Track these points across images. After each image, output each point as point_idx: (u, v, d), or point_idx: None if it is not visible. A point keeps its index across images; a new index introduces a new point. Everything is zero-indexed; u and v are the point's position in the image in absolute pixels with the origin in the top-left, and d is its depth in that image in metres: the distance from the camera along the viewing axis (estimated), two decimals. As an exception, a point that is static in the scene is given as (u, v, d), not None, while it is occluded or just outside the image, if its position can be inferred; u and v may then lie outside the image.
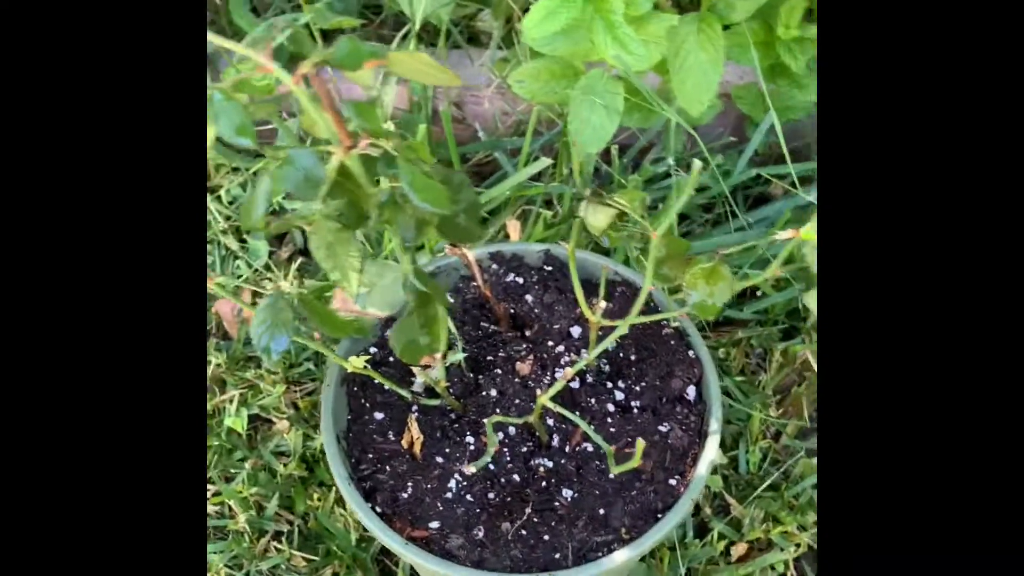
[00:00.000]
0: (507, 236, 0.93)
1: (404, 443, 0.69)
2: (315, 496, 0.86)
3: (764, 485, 0.84)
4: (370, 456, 0.68)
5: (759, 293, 0.94)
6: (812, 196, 0.91)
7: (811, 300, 0.63)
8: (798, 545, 0.81)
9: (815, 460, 0.86)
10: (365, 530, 0.85)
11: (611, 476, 0.67)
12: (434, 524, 0.65)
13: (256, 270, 1.02)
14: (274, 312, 0.55)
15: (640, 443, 0.56)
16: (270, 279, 1.03)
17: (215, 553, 0.83)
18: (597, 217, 0.57)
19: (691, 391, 0.71)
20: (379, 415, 0.71)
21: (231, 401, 0.91)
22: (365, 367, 0.65)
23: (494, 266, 0.78)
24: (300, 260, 1.02)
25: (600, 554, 0.63)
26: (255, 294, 0.99)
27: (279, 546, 0.84)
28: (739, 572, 0.80)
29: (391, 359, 0.74)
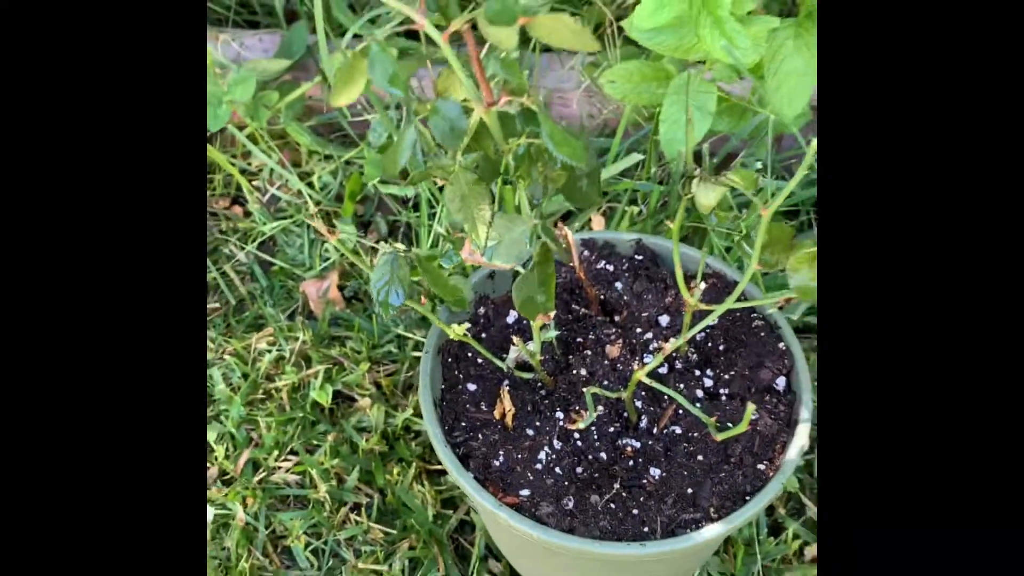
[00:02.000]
0: (592, 229, 0.95)
1: (496, 414, 0.70)
2: (395, 472, 0.87)
3: (841, 488, 0.85)
4: (463, 424, 0.70)
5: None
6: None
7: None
8: (874, 548, 0.81)
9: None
10: (442, 506, 0.86)
11: (699, 457, 0.68)
12: (524, 492, 0.66)
13: (342, 254, 1.04)
14: (392, 269, 0.57)
15: (750, 407, 0.57)
16: (356, 263, 1.05)
17: (296, 520, 0.85)
18: (708, 195, 0.59)
19: (780, 382, 0.72)
20: (472, 386, 0.72)
21: (316, 376, 0.94)
22: (465, 335, 0.67)
23: (586, 252, 0.80)
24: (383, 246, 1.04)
25: (688, 530, 0.64)
26: (343, 275, 1.03)
27: (358, 518, 0.86)
28: (812, 572, 0.80)
29: (483, 335, 0.76)
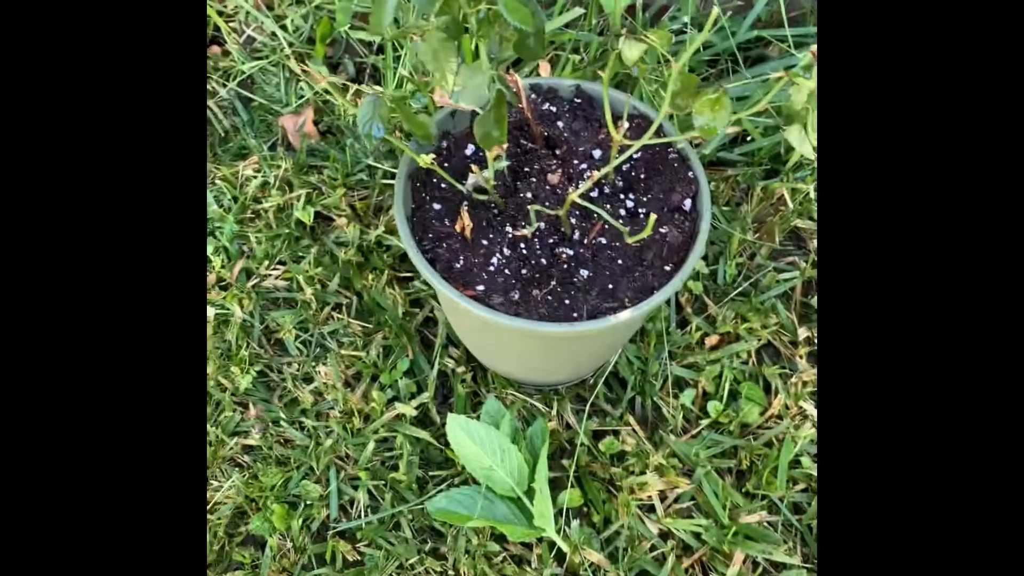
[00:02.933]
0: (539, 75, 1.09)
1: (457, 227, 0.86)
2: (370, 278, 1.04)
3: (736, 292, 1.04)
4: (430, 236, 0.86)
5: (749, 139, 1.11)
6: (802, 56, 1.07)
7: (792, 135, 0.80)
8: (759, 339, 1.01)
9: (781, 275, 1.05)
10: (410, 306, 1.04)
11: (619, 262, 0.85)
12: (480, 287, 0.83)
13: (316, 92, 1.17)
14: (374, 107, 0.71)
15: (652, 217, 0.74)
16: (329, 100, 1.18)
17: (286, 317, 1.02)
18: (632, 50, 0.73)
19: (687, 203, 0.89)
20: (437, 206, 0.88)
21: (298, 199, 1.08)
22: (432, 163, 0.82)
23: (533, 95, 0.94)
24: (354, 87, 1.17)
25: (608, 315, 0.82)
26: (317, 111, 1.15)
27: (339, 315, 1.03)
28: (710, 356, 1.00)
29: (446, 165, 0.91)
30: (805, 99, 0.77)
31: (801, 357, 1.00)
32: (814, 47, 0.73)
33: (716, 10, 0.72)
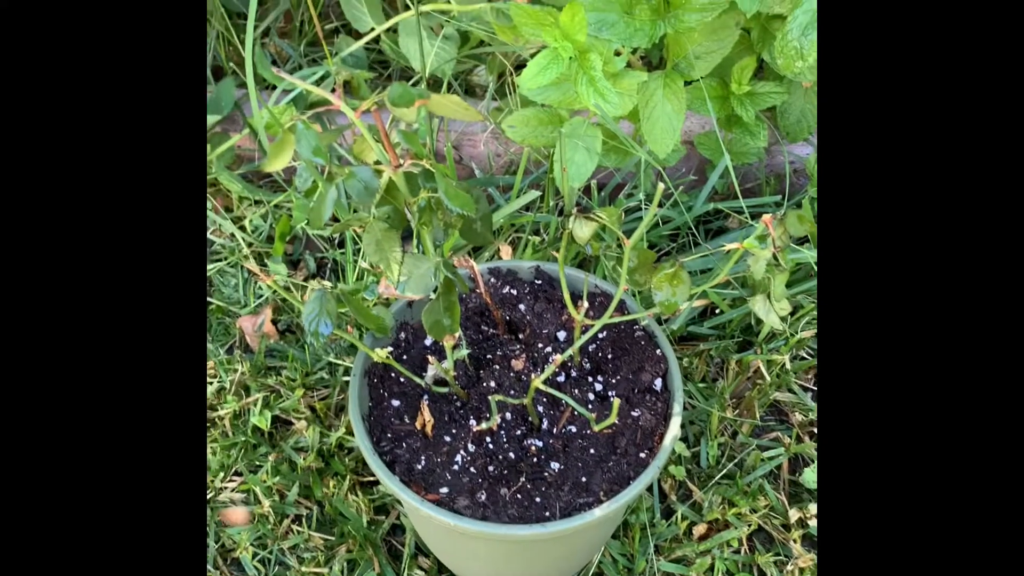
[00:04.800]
0: (500, 258, 1.07)
1: (417, 425, 0.81)
2: (331, 484, 0.97)
3: (721, 474, 0.98)
4: (389, 435, 0.81)
5: (718, 311, 1.08)
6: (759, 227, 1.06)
7: (757, 306, 0.77)
8: (750, 524, 0.94)
9: (766, 453, 0.99)
10: (375, 513, 0.96)
11: (591, 451, 0.80)
12: (444, 489, 0.77)
13: (275, 292, 1.14)
14: (321, 303, 0.68)
15: (616, 402, 0.69)
16: (286, 299, 1.15)
17: (243, 534, 0.94)
18: (583, 230, 0.71)
19: (658, 383, 0.84)
20: (396, 402, 0.83)
21: (255, 404, 1.03)
22: (388, 357, 0.78)
23: (492, 279, 0.92)
24: (312, 283, 1.14)
25: (583, 512, 0.75)
26: (276, 310, 1.12)
27: (299, 528, 0.95)
28: (699, 548, 0.93)
29: (404, 357, 0.87)
30: (764, 268, 0.75)
31: (795, 541, 0.93)
32: (767, 216, 0.72)
33: (660, 186, 0.71)
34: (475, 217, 0.61)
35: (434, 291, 0.63)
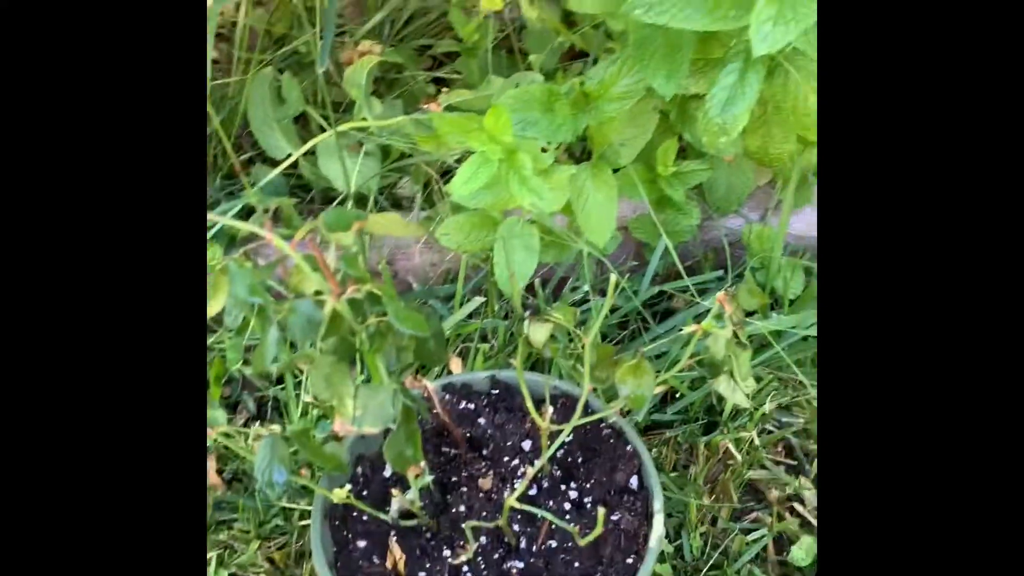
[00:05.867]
0: (450, 372, 1.03)
1: (388, 564, 0.76)
2: (300, 639, 0.90)
3: (708, 566, 0.93)
4: (359, 579, 0.75)
5: (678, 395, 1.06)
6: (710, 303, 1.05)
7: (721, 385, 0.75)
8: (748, 615, 0.90)
9: (749, 537, 0.95)
10: (352, 664, 0.89)
11: (576, 565, 0.75)
12: (427, 631, 0.71)
13: (215, 439, 1.07)
14: (272, 450, 0.63)
15: (600, 512, 0.65)
16: (229, 446, 1.09)
17: None
18: (538, 332, 0.68)
19: (633, 481, 0.81)
20: (362, 543, 0.77)
21: (209, 563, 0.95)
22: (349, 496, 0.73)
23: (447, 396, 0.88)
24: (254, 426, 1.08)
25: (579, 633, 0.70)
26: (220, 458, 1.06)
27: None
28: (702, 648, 0.88)
29: (364, 493, 0.81)
30: (724, 347, 0.73)
31: (798, 625, 0.89)
32: (720, 292, 0.71)
33: (614, 276, 0.69)
34: (428, 336, 0.58)
35: (392, 421, 0.59)
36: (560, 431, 0.74)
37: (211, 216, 0.57)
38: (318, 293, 0.57)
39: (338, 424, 0.59)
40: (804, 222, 1.16)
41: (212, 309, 0.53)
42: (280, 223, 0.60)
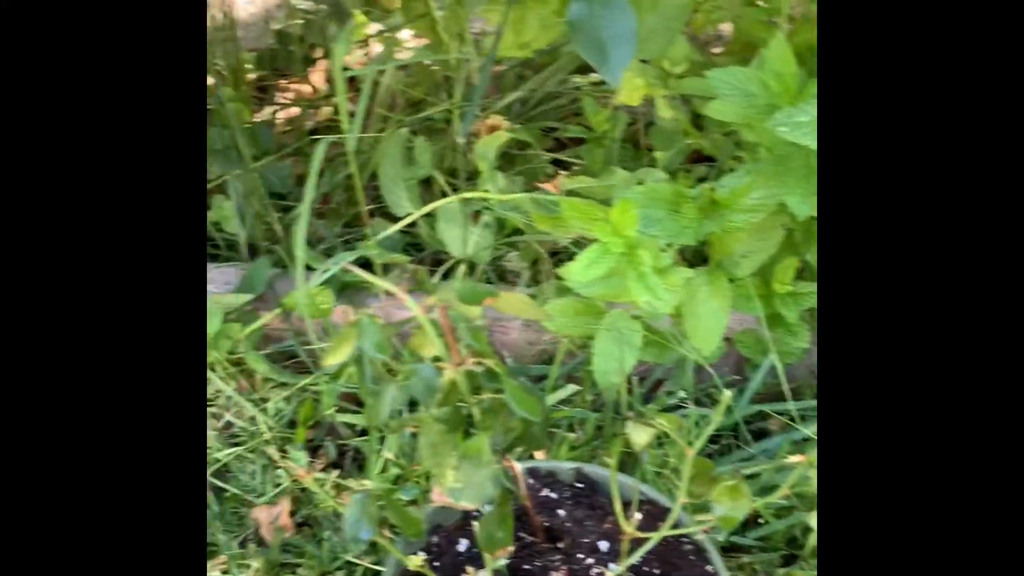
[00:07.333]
0: (532, 456, 1.02)
1: (450, 641, 0.74)
2: None
3: None
4: (419, 653, 0.73)
5: (761, 521, 1.02)
6: (810, 431, 1.02)
7: (813, 520, 0.72)
8: None
9: None
10: None
11: None
12: None
13: (294, 480, 1.08)
14: (362, 507, 0.63)
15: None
16: (305, 489, 1.09)
17: None
18: (640, 435, 0.67)
19: (713, 603, 0.77)
20: (427, 615, 0.76)
21: (265, 603, 0.95)
22: (422, 565, 0.72)
23: (530, 480, 0.87)
24: (335, 472, 1.09)
25: None
26: (295, 501, 1.06)
27: None
28: None
29: (436, 564, 0.80)
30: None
31: None
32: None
33: (727, 393, 0.68)
34: (538, 420, 0.57)
35: (490, 501, 0.58)
36: (643, 539, 0.72)
37: (345, 264, 0.59)
38: (436, 359, 0.57)
39: (436, 493, 0.59)
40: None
41: (336, 359, 0.54)
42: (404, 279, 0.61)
